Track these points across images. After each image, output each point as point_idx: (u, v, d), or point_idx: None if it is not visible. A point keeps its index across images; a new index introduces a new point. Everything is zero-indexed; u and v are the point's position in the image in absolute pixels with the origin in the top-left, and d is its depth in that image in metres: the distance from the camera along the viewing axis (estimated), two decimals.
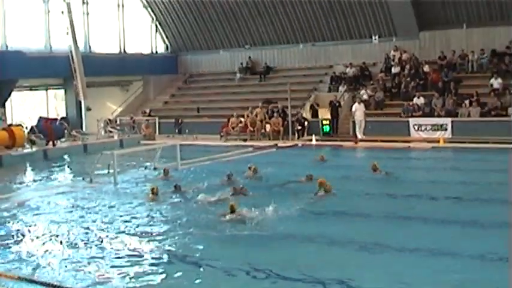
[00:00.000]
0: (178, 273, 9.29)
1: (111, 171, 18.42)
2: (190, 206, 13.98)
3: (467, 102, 27.63)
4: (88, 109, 33.09)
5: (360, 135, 28.05)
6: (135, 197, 15.68)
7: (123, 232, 11.96)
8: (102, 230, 12.21)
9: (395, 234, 11.14)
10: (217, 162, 21.94)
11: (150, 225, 12.45)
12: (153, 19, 40.59)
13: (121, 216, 13.45)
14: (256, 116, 30.82)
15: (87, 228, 12.40)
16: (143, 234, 11.73)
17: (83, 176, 19.00)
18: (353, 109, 28.82)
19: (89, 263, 9.92)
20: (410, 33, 32.87)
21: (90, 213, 13.90)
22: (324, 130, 29.42)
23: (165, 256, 10.21)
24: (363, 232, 11.30)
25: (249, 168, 18.16)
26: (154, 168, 20.24)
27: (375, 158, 19.33)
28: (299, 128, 29.83)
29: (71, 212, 14.12)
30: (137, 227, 12.38)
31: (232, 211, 12.38)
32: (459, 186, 15.73)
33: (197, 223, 12.25)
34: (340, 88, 32.69)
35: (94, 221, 13.02)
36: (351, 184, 16.45)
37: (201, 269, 9.43)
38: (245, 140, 29.84)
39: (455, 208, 13.30)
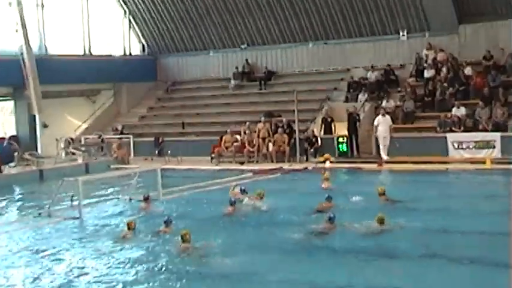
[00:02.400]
0: None
1: (75, 203, 18.40)
2: (174, 247, 13.98)
3: None
4: (44, 126, 33.24)
5: (384, 156, 28.10)
6: (106, 235, 15.67)
7: (89, 282, 11.95)
8: (63, 280, 12.18)
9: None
10: (207, 191, 21.94)
11: (123, 273, 12.43)
12: (125, 12, 40.85)
13: (86, 260, 13.43)
14: (256, 132, 30.83)
15: (41, 277, 12.36)
16: (115, 284, 11.75)
17: (39, 210, 18.96)
18: (375, 123, 28.89)
19: None
20: (447, 27, 33.04)
21: (47, 258, 13.79)
22: (340, 149, 29.48)
23: None
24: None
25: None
26: (130, 200, 20.26)
27: (402, 183, 19.36)
28: (309, 147, 29.90)
29: (22, 257, 14.01)
30: (106, 275, 12.32)
31: (184, 241, 13.18)
32: (506, 219, 15.69)
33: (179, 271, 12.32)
34: (360, 97, 32.78)
35: (49, 270, 12.89)
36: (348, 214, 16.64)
37: None
38: (242, 163, 29.88)
39: (501, 246, 13.21)
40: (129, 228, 15.16)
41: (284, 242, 14.07)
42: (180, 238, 13.48)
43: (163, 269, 12.51)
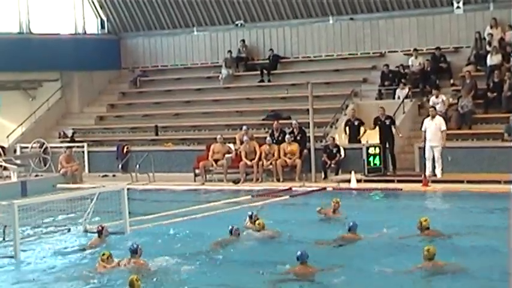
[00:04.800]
0: None
1: (10, 237, 18.48)
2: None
3: None
4: None
5: (438, 172, 28.10)
6: (50, 281, 15.74)
7: None
8: None
9: None
10: (191, 220, 22.10)
11: None
12: None
13: None
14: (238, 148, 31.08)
15: None
16: None
17: None
18: (423, 127, 28.94)
19: None
20: None
21: None
22: (371, 164, 29.57)
23: None
24: None
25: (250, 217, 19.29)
26: (85, 231, 20.37)
27: (453, 212, 19.35)
28: (328, 160, 30.03)
29: None
30: None
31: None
32: None
33: None
34: (398, 92, 32.92)
35: None
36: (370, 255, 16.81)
37: None
38: (237, 182, 30.03)
39: None
40: (103, 260, 15.21)
41: None
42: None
43: None
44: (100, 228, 19.13)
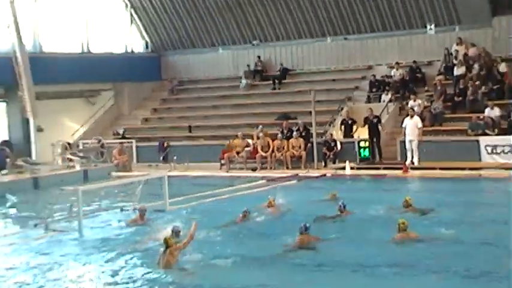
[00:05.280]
0: None
1: (75, 214, 18.48)
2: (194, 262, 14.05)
3: None
4: (39, 129, 33.29)
5: (415, 161, 28.00)
6: (107, 249, 15.77)
7: None
8: None
9: None
10: (218, 201, 22.05)
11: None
12: (127, 6, 41.07)
13: (85, 275, 13.53)
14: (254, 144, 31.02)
15: None
16: None
17: (34, 221, 19.08)
18: (403, 125, 28.84)
19: None
20: (479, 20, 32.98)
21: (44, 273, 13.87)
22: (362, 155, 29.51)
23: None
24: None
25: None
26: (134, 209, 20.35)
27: (428, 192, 19.27)
28: (327, 152, 29.95)
29: (19, 272, 14.12)
30: None
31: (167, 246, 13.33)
32: None
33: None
34: (383, 97, 32.84)
35: (44, 286, 12.99)
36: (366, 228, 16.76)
37: None
38: (254, 170, 29.99)
39: None
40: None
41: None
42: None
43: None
44: (142, 208, 18.99)
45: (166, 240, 13.40)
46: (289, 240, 15.02)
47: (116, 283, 12.96)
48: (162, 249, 13.45)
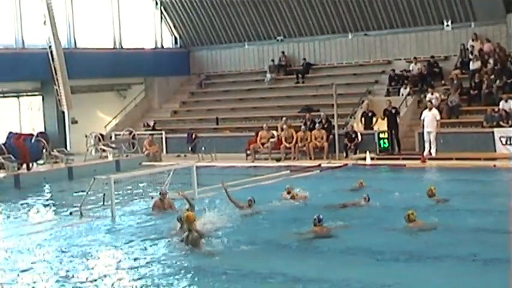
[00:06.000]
0: None
1: (108, 202, 18.66)
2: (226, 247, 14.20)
3: None
4: (73, 122, 33.60)
5: (433, 152, 27.97)
6: (140, 235, 15.92)
7: (122, 281, 12.19)
8: (96, 279, 12.43)
9: None
10: (244, 189, 22.11)
11: (154, 273, 12.66)
12: (157, 3, 41.20)
13: (120, 261, 13.69)
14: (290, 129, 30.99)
15: (75, 275, 12.64)
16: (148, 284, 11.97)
17: (70, 209, 19.31)
18: (422, 117, 28.80)
19: None
20: (494, 17, 32.88)
21: (81, 259, 14.01)
22: (382, 146, 29.51)
23: None
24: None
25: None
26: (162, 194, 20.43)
27: (446, 182, 19.27)
28: (348, 143, 29.96)
29: (56, 256, 14.30)
30: (140, 277, 12.52)
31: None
32: None
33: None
34: (402, 90, 32.78)
35: (81, 270, 13.12)
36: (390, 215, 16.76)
37: None
38: (278, 160, 30.06)
39: None
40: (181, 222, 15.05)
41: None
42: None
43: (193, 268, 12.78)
44: (162, 191, 18.88)
45: (187, 217, 13.86)
46: (307, 229, 15.01)
47: (147, 267, 13.08)
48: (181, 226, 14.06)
